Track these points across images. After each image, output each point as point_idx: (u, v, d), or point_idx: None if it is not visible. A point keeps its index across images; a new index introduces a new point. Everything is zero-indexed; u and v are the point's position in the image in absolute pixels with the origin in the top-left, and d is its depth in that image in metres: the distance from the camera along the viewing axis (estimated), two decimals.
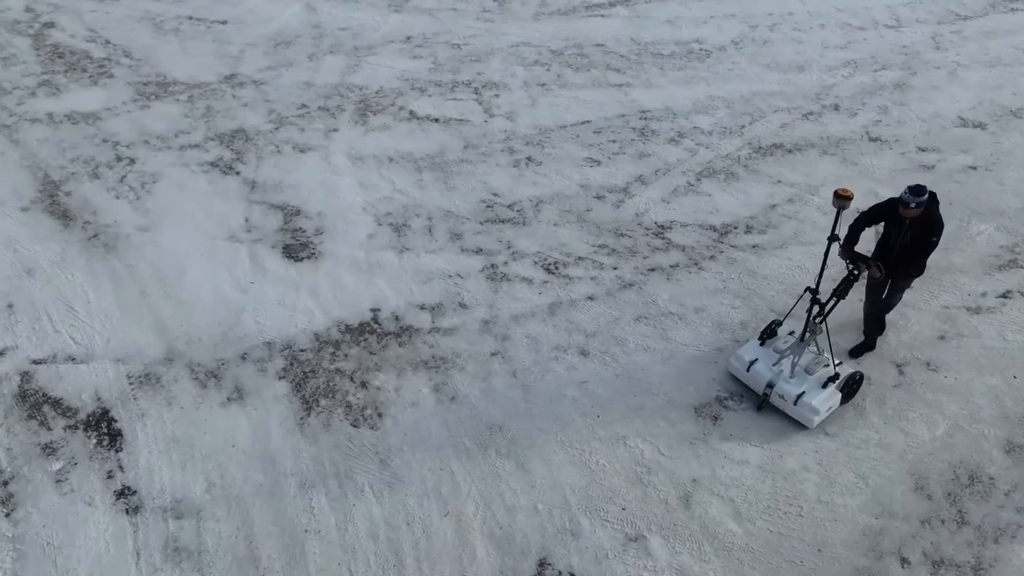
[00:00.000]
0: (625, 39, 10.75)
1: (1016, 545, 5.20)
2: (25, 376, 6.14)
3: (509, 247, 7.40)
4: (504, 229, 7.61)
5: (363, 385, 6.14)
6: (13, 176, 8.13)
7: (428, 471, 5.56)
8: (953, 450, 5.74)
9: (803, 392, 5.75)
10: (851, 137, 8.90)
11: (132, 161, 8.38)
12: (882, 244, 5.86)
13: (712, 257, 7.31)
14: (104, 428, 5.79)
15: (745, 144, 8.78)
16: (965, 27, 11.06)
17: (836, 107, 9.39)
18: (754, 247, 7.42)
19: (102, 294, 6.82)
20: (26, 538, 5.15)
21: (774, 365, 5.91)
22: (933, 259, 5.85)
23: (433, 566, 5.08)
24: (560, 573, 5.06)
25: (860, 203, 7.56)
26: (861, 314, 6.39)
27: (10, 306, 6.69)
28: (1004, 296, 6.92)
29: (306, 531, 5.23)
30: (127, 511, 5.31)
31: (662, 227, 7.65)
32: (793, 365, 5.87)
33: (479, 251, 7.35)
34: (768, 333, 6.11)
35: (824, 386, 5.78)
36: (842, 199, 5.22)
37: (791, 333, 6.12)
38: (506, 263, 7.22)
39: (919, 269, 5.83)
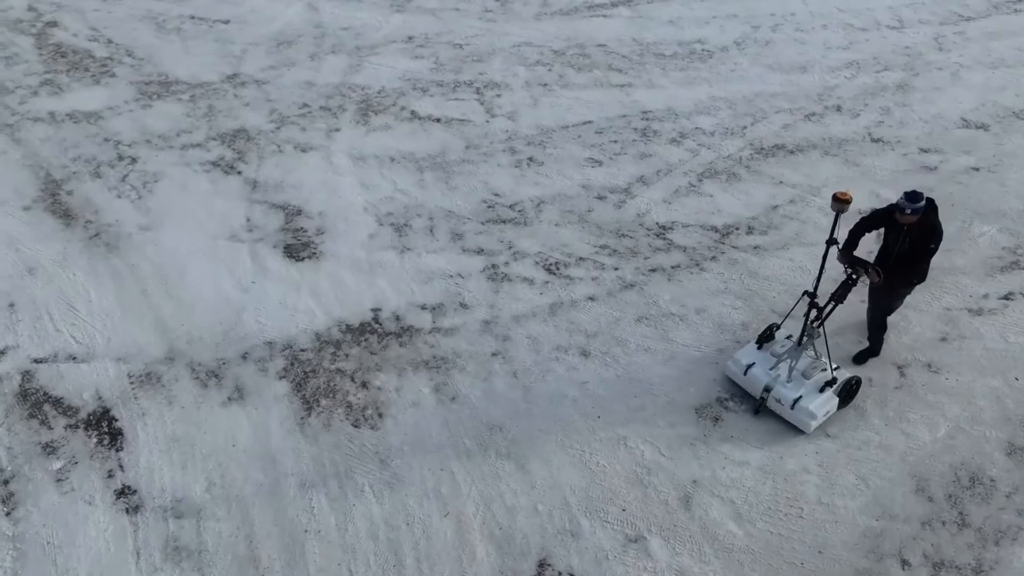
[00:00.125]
0: (627, 39, 10.75)
1: (1017, 547, 5.19)
2: (26, 375, 6.15)
3: (510, 247, 7.40)
4: (505, 229, 7.61)
5: (364, 385, 6.14)
6: (15, 175, 8.15)
7: (428, 471, 5.56)
8: (954, 452, 5.73)
9: (800, 396, 5.73)
10: (853, 138, 8.88)
11: (134, 160, 8.39)
12: (882, 250, 5.85)
13: (713, 258, 7.30)
14: (105, 427, 5.80)
15: (747, 145, 8.77)
16: (968, 28, 11.04)
17: (838, 108, 9.38)
18: (755, 248, 7.41)
19: (103, 293, 6.83)
20: (26, 537, 5.16)
21: (771, 369, 5.89)
22: (935, 261, 5.83)
23: (433, 566, 5.08)
24: (560, 574, 5.06)
25: (862, 204, 7.58)
26: (862, 316, 6.38)
27: (11, 305, 6.70)
28: (1006, 298, 6.91)
29: (306, 531, 5.23)
30: (127, 510, 5.31)
31: (663, 228, 7.65)
32: (790, 369, 5.85)
33: (480, 251, 7.35)
34: (766, 337, 6.10)
35: (821, 390, 5.76)
36: (841, 203, 5.20)
37: (789, 337, 6.11)
38: (507, 263, 7.22)
39: (920, 275, 5.80)
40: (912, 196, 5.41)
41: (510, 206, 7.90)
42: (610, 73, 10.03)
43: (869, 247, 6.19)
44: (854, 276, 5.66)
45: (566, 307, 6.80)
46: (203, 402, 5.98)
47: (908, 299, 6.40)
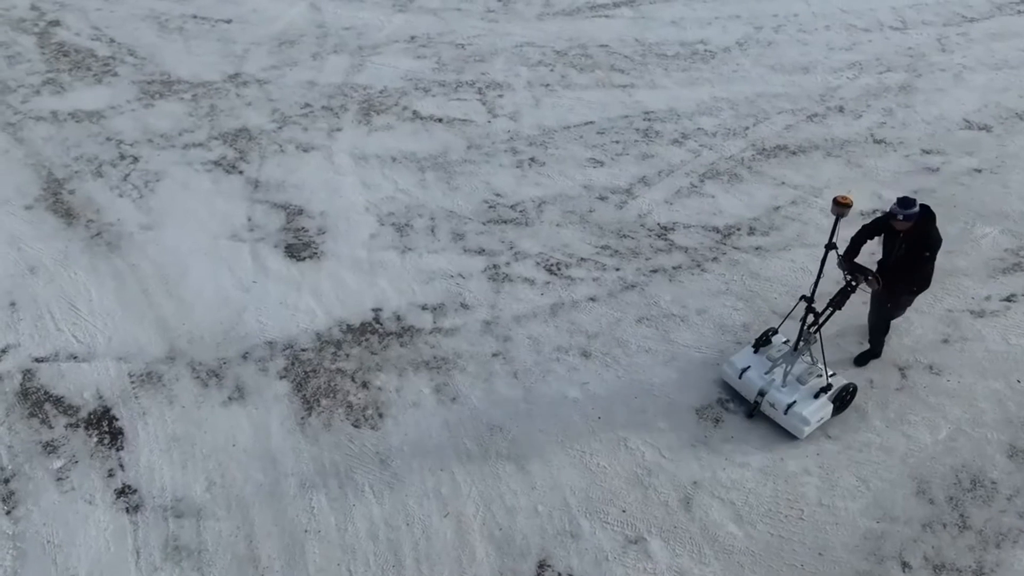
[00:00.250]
0: (629, 40, 10.74)
1: (1018, 550, 5.18)
2: (27, 374, 6.16)
3: (511, 248, 7.39)
4: (506, 229, 7.60)
5: (364, 385, 6.14)
6: (17, 174, 8.15)
7: (428, 472, 5.56)
8: (955, 454, 5.72)
9: (794, 402, 5.71)
10: (855, 139, 8.87)
11: (136, 160, 8.39)
12: (882, 256, 5.83)
13: (715, 259, 7.29)
14: (105, 426, 5.80)
15: (749, 146, 8.76)
16: (971, 29, 11.02)
17: (841, 109, 9.36)
18: (757, 249, 7.40)
19: (104, 292, 6.84)
20: (26, 536, 5.16)
21: (766, 373, 5.88)
22: (937, 263, 5.80)
23: (433, 567, 5.07)
24: (560, 575, 5.05)
25: (863, 205, 7.57)
26: (864, 318, 6.36)
27: (13, 304, 6.70)
28: (1008, 300, 6.89)
29: (306, 531, 5.23)
30: (127, 510, 5.31)
31: (665, 228, 7.64)
32: (785, 374, 5.82)
33: (481, 251, 7.35)
34: (763, 341, 6.09)
35: (816, 396, 5.73)
36: (841, 206, 5.18)
37: (786, 342, 6.09)
38: (508, 264, 7.22)
39: (921, 282, 5.76)
40: (904, 202, 5.39)
41: (511, 206, 7.89)
42: (612, 73, 10.02)
43: (872, 254, 6.18)
44: (853, 283, 5.64)
45: (567, 308, 6.80)
46: (204, 402, 5.98)
47: None
